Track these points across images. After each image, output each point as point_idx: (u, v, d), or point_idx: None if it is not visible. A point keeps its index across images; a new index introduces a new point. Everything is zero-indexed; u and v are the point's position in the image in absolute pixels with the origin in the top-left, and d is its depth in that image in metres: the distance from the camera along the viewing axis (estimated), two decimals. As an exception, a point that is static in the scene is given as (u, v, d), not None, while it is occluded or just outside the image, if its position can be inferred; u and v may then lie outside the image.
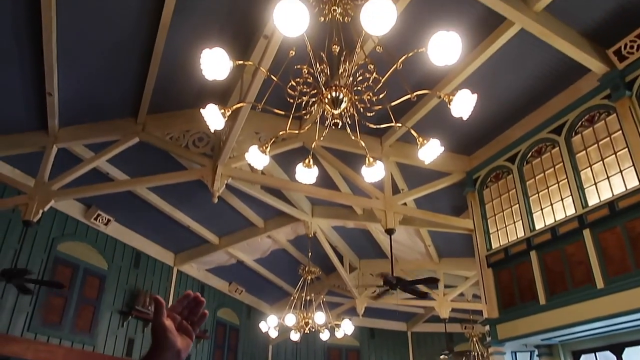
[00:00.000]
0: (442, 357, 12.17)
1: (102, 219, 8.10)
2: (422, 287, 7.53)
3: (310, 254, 8.92)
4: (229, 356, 11.46)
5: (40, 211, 6.12)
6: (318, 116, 3.89)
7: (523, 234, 6.23)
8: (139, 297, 8.74)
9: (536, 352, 6.21)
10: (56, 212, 7.56)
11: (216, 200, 6.59)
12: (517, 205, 6.48)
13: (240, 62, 3.25)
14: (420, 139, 3.67)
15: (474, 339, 11.67)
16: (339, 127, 3.41)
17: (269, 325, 7.89)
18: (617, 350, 5.49)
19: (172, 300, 9.76)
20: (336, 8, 3.50)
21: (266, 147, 3.99)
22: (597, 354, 5.72)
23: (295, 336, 8.23)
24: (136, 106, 6.33)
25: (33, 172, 6.60)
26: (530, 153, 6.55)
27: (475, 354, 11.62)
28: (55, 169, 6.44)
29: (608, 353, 5.58)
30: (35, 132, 6.48)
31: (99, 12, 4.90)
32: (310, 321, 7.89)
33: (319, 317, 7.68)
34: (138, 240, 9.16)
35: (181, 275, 10.20)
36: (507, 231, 6.56)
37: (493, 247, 6.67)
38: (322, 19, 3.52)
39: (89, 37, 5.20)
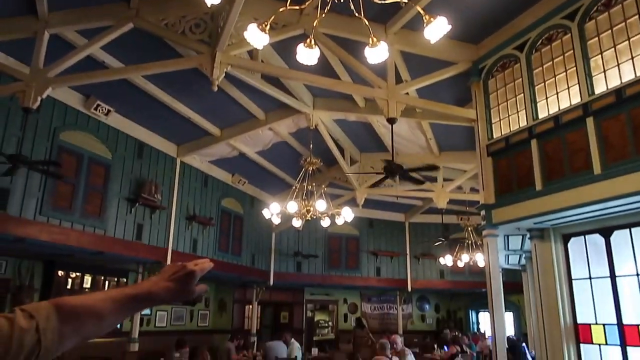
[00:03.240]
0: (438, 242, 12.77)
1: (102, 109, 8.05)
2: (421, 176, 7.67)
3: (311, 146, 8.99)
4: (234, 243, 12.05)
5: (39, 98, 6.05)
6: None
7: (525, 123, 6.22)
8: (144, 186, 8.97)
9: (528, 235, 6.50)
10: (55, 101, 7.50)
11: (216, 88, 6.47)
12: (522, 94, 6.39)
13: None
14: (427, 17, 3.52)
15: (469, 229, 12.18)
16: (342, 0, 3.24)
17: (272, 212, 8.16)
18: (606, 232, 5.73)
19: (177, 190, 10.04)
20: None
21: (265, 26, 3.83)
22: (586, 236, 5.98)
23: (297, 223, 8.54)
24: (128, -13, 5.99)
25: (27, 61, 6.42)
26: (540, 40, 6.32)
27: (470, 242, 12.20)
28: (49, 57, 6.26)
29: (597, 236, 5.84)
30: (25, 17, 6.21)
31: None
32: (311, 209, 8.14)
33: (320, 205, 7.92)
34: (140, 132, 9.18)
35: (184, 166, 10.38)
36: (510, 121, 6.54)
37: (494, 137, 6.70)
38: None
39: None
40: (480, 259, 11.33)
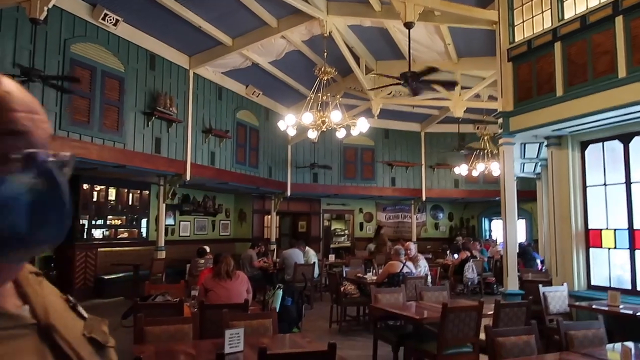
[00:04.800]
0: (461, 151, 12.68)
1: (111, 19, 7.84)
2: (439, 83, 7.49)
3: (325, 54, 8.74)
4: (251, 154, 12.22)
5: (45, 8, 5.90)
6: None
7: (550, 24, 5.91)
8: (159, 99, 8.97)
9: (545, 143, 6.44)
10: (62, 11, 7.31)
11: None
12: (548, -7, 6.01)
13: None
14: None
15: (486, 138, 12.08)
16: None
17: (287, 123, 8.15)
18: (626, 139, 5.64)
19: (192, 103, 10.02)
20: None
21: None
22: (604, 143, 5.90)
23: (312, 135, 8.56)
24: None
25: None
26: None
27: (486, 151, 12.16)
28: (51, -37, 6.00)
29: (616, 142, 5.75)
30: None
31: None
32: (326, 120, 8.10)
33: (335, 115, 7.87)
34: (151, 42, 9.00)
35: (198, 78, 10.26)
36: (533, 22, 6.21)
37: (516, 40, 6.41)
38: None
39: None
40: (495, 168, 11.35)
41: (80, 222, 9.75)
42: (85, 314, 0.74)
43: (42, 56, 6.94)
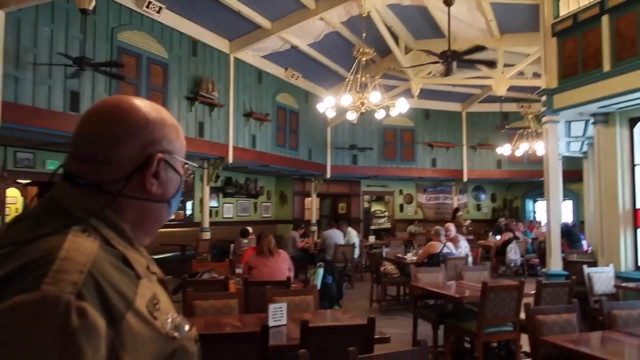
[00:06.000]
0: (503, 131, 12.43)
1: (154, 7, 8.07)
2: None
3: (364, 35, 8.69)
4: (291, 137, 12.37)
5: (93, -1, 6.16)
6: None
7: (597, -3, 5.69)
8: (201, 84, 9.20)
9: (591, 121, 6.25)
10: (109, 1, 7.58)
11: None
12: (596, -37, 5.76)
13: None
14: None
15: (530, 117, 11.76)
16: None
17: (326, 105, 8.22)
18: (678, 114, 5.42)
19: (233, 87, 10.22)
20: None
21: None
22: (655, 118, 5.69)
23: (351, 116, 8.59)
24: None
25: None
26: None
27: (529, 130, 11.84)
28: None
29: (667, 117, 5.54)
30: None
31: None
32: (365, 101, 8.12)
33: (374, 96, 7.87)
34: (192, 28, 9.20)
35: (238, 62, 10.43)
36: (580, -5, 5.99)
37: (560, 15, 6.20)
38: None
39: None
40: (539, 148, 11.06)
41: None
42: None
43: (92, 45, 7.24)
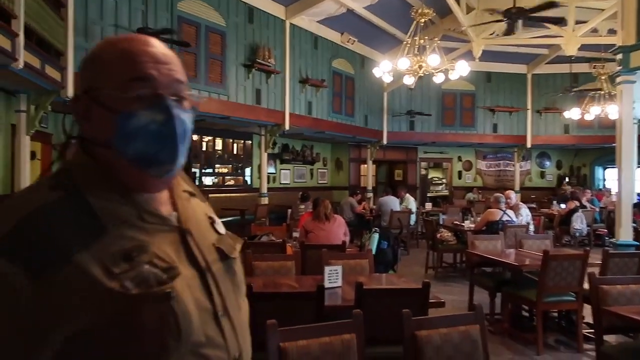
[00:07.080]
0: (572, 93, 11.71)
1: (210, -26, 8.14)
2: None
3: (423, -6, 8.37)
4: (347, 103, 12.29)
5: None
6: None
7: (686, -58, 5.14)
8: (258, 51, 9.27)
9: (672, 81, 5.76)
10: (166, -29, 7.73)
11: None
12: None
13: None
14: None
15: (603, 78, 10.98)
16: None
17: (383, 70, 8.06)
18: None
19: (288, 54, 10.22)
20: None
21: None
22: None
23: (409, 80, 8.38)
24: None
25: None
26: None
27: (602, 92, 11.09)
28: None
29: None
30: None
31: None
32: (423, 64, 7.88)
33: (433, 60, 7.62)
34: (249, -6, 9.23)
35: (294, 28, 10.38)
36: (665, -59, 5.43)
37: (642, -36, 5.66)
38: None
39: None
40: (612, 111, 10.35)
41: (192, 170, 10.63)
42: (222, 231, 0.93)
43: (154, 15, 7.45)
